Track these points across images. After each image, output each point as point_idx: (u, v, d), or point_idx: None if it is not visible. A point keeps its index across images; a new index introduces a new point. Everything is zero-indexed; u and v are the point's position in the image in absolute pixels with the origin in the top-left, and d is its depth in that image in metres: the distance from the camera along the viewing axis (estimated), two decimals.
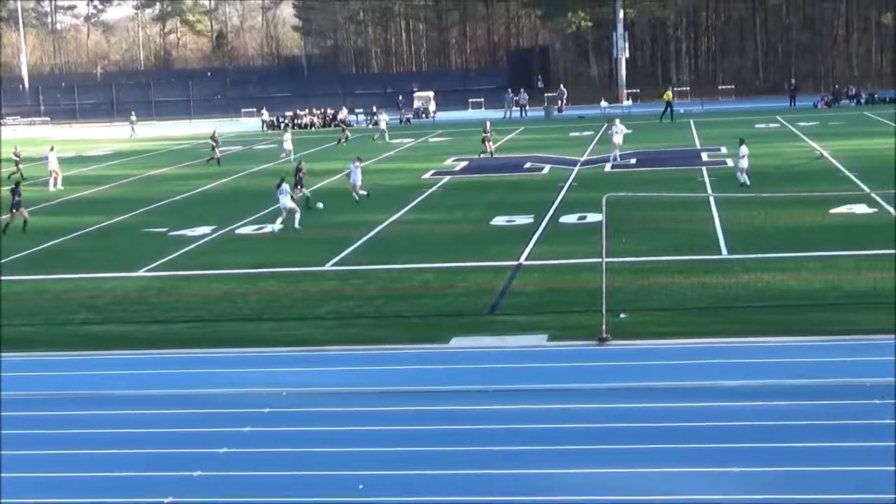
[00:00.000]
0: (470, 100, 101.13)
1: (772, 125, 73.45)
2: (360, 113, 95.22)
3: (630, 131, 57.90)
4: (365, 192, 44.20)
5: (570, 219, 38.44)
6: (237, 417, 19.30)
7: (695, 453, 16.66)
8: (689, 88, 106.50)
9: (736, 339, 22.68)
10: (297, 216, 38.84)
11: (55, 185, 54.75)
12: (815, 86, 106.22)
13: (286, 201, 38.72)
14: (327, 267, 32.50)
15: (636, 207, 37.54)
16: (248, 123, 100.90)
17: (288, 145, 63.21)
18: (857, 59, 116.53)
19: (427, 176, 52.84)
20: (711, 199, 39.64)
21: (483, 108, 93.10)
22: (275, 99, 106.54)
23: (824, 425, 17.60)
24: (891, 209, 36.34)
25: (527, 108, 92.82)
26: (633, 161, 54.91)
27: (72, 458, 17.59)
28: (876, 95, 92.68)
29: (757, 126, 72.66)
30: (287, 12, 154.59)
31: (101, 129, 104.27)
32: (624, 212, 36.34)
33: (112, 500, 14.81)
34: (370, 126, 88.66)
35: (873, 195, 38.30)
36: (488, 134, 59.95)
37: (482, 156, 59.00)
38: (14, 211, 40.98)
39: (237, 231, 39.67)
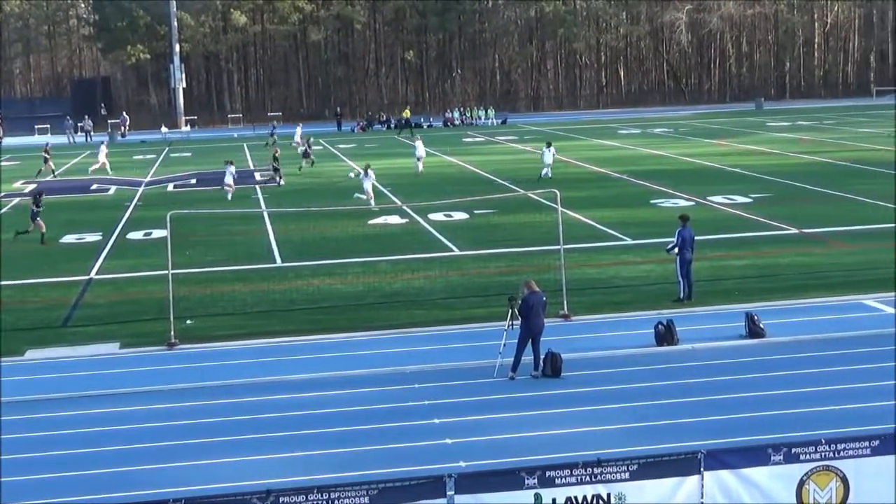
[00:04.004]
0: (36, 126, 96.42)
1: (316, 147, 74.54)
2: None
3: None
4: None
5: (136, 235, 37.43)
6: None
7: (265, 442, 16.69)
8: (241, 115, 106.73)
9: (294, 338, 22.91)
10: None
11: None
12: (351, 112, 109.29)
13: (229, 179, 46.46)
14: None
15: (198, 222, 37.18)
16: None
17: (102, 157, 59.95)
18: (386, 90, 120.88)
19: None
20: (265, 214, 39.85)
21: (49, 134, 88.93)
22: None
23: (377, 409, 18.12)
24: (420, 219, 37.93)
25: (91, 133, 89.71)
26: (194, 181, 54.33)
27: None
28: (403, 121, 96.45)
29: (301, 149, 73.60)
30: None
31: None
32: (187, 227, 35.90)
33: None
34: None
35: (404, 207, 39.83)
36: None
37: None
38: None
39: None
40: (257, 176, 55.59)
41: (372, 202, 40.34)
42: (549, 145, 50.46)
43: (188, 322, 24.16)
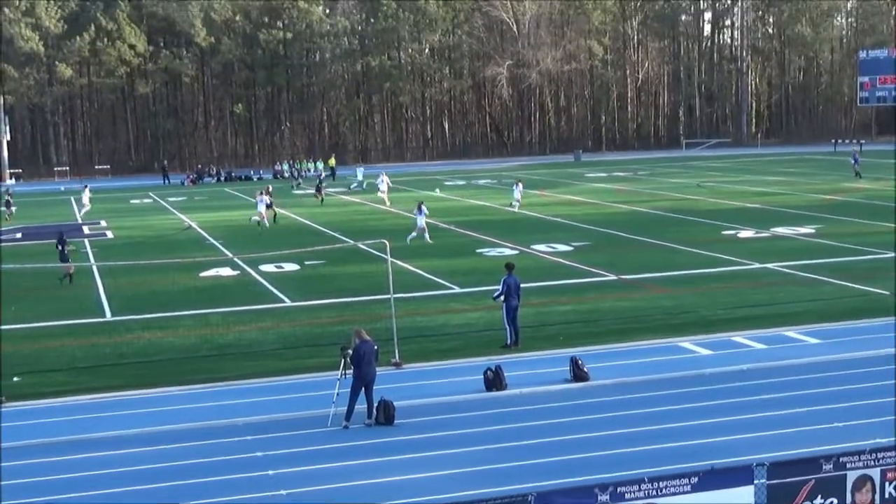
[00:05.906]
0: None
1: (145, 200, 73.32)
2: None
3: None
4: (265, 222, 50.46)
5: None
6: None
7: (96, 500, 16.15)
8: (68, 168, 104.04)
9: (125, 393, 22.26)
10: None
11: None
12: (181, 165, 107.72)
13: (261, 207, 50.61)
14: None
15: (25, 277, 35.93)
16: None
17: (85, 200, 62.57)
18: (215, 143, 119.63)
19: None
20: (94, 268, 38.80)
21: None
22: None
23: (211, 462, 17.73)
24: (251, 271, 37.53)
25: None
26: (19, 235, 52.64)
27: None
28: (233, 173, 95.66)
29: (132, 202, 72.26)
30: None
31: None
32: (14, 282, 34.71)
33: None
34: None
35: (236, 259, 39.35)
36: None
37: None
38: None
39: None
40: (85, 230, 54.21)
41: (427, 235, 42.43)
42: (517, 183, 57.81)
43: (15, 379, 23.26)
